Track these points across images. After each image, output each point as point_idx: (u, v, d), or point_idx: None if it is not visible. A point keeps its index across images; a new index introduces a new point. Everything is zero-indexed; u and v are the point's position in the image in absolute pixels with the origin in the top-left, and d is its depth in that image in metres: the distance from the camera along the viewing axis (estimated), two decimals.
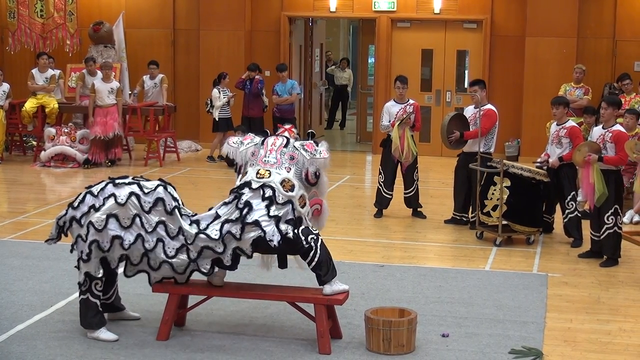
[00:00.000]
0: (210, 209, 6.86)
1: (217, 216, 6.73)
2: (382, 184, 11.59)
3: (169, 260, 6.71)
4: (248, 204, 6.63)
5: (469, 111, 11.13)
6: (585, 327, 7.46)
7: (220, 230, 6.63)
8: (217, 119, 15.71)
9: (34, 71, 15.87)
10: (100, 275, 6.83)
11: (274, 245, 6.59)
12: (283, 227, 6.62)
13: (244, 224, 6.58)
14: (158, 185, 6.83)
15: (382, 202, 11.67)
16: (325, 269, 6.69)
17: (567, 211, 10.23)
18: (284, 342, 6.90)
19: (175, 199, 6.81)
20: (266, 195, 6.64)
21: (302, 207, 6.76)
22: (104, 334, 6.88)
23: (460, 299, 8.11)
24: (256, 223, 6.57)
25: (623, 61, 16.08)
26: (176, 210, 6.73)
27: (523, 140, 16.39)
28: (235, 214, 6.64)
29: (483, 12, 16.64)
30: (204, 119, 16.91)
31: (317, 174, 6.83)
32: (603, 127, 9.51)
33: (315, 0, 17.30)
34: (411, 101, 11.68)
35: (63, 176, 14.63)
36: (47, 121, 15.76)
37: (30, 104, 15.66)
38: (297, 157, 6.83)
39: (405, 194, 11.64)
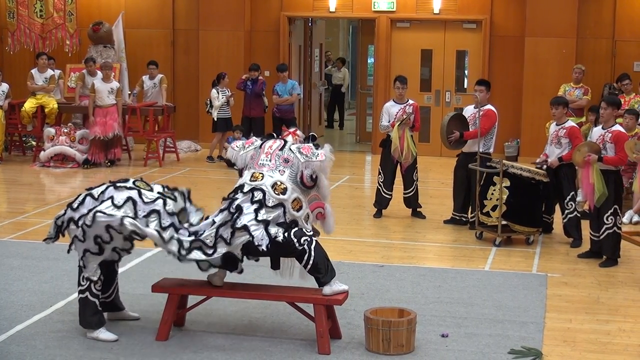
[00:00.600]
0: (206, 218, 6.85)
1: (214, 223, 6.73)
2: (381, 184, 11.60)
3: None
4: (239, 208, 6.63)
5: (469, 111, 11.13)
6: (585, 327, 7.45)
7: (215, 236, 6.64)
8: (215, 119, 15.72)
9: (34, 71, 15.87)
10: (95, 278, 6.82)
11: (262, 249, 6.58)
12: (273, 230, 6.59)
13: (234, 229, 6.57)
14: (158, 198, 6.81)
15: (381, 202, 11.67)
16: (323, 271, 6.68)
17: (566, 211, 10.23)
18: (284, 342, 6.90)
19: (171, 215, 6.78)
20: (255, 199, 6.63)
21: (298, 210, 6.70)
22: (103, 334, 6.87)
23: (460, 299, 8.11)
24: (245, 228, 6.55)
25: (622, 61, 16.08)
26: (171, 227, 6.72)
27: (522, 141, 16.40)
28: (227, 219, 6.65)
29: (482, 12, 16.64)
30: (203, 119, 16.91)
31: (313, 177, 6.76)
32: (603, 128, 9.51)
33: (314, 1, 17.31)
34: (410, 101, 11.68)
35: (62, 176, 14.63)
36: (46, 121, 15.76)
37: (29, 104, 15.65)
38: (292, 160, 6.78)
39: (404, 194, 11.64)
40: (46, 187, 14.11)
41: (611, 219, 9.31)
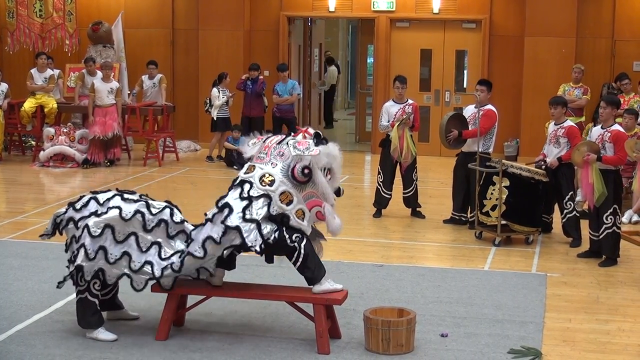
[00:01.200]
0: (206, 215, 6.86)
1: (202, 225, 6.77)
2: (381, 183, 11.60)
3: (156, 278, 6.73)
4: (227, 205, 6.62)
5: (469, 110, 11.14)
6: (584, 327, 7.46)
7: (204, 241, 6.61)
8: (215, 119, 15.72)
9: (33, 71, 15.87)
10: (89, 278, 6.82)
11: (257, 251, 6.58)
12: (265, 231, 6.58)
13: (226, 227, 6.55)
14: (165, 207, 6.85)
15: (381, 202, 11.67)
16: (312, 269, 6.68)
17: (565, 211, 10.23)
18: (283, 342, 6.90)
19: (179, 223, 6.82)
20: (244, 195, 6.62)
21: (287, 204, 6.62)
22: (102, 333, 6.87)
23: (459, 298, 8.11)
24: (237, 229, 6.53)
25: (622, 61, 16.08)
26: (178, 235, 6.78)
27: (522, 140, 16.40)
28: (217, 216, 6.64)
29: (482, 12, 16.64)
30: (203, 118, 16.91)
31: (305, 171, 6.68)
32: (602, 127, 9.51)
33: (314, 0, 17.31)
34: (410, 101, 11.68)
35: (62, 176, 14.63)
36: (46, 121, 15.76)
37: (29, 104, 15.65)
38: (286, 154, 6.79)
39: (404, 193, 11.64)
40: (45, 187, 14.11)
41: (610, 218, 9.31)
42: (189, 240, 6.74)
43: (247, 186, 6.67)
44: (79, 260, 6.68)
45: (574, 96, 14.29)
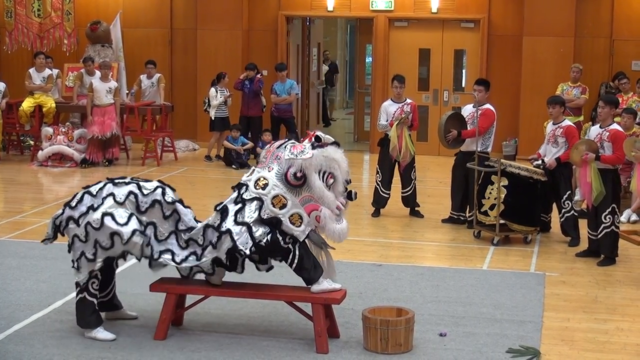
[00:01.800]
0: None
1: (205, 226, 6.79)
2: (379, 183, 11.60)
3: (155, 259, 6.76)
4: (225, 209, 6.66)
5: (467, 110, 11.14)
6: (583, 326, 7.46)
7: (203, 235, 6.69)
8: (213, 118, 15.72)
9: (31, 71, 15.86)
10: (95, 273, 6.82)
11: (246, 253, 6.58)
12: (257, 234, 6.57)
13: (219, 232, 6.57)
14: (157, 187, 6.85)
15: (379, 202, 11.68)
16: (309, 269, 6.68)
17: (563, 210, 10.23)
18: (282, 342, 6.90)
19: (171, 204, 6.82)
20: (238, 198, 6.66)
21: (281, 208, 6.60)
22: (101, 333, 6.87)
23: (458, 298, 8.11)
24: (228, 232, 6.54)
25: (620, 60, 16.09)
26: (172, 215, 6.79)
27: (520, 140, 16.40)
28: (216, 219, 6.68)
29: (480, 11, 16.64)
30: (201, 118, 16.89)
31: (298, 175, 6.64)
32: (600, 126, 9.51)
33: (312, 0, 17.30)
34: (408, 100, 11.68)
35: (60, 176, 14.62)
36: (44, 121, 15.74)
37: (27, 104, 15.63)
38: (282, 158, 6.77)
39: (402, 193, 11.64)
40: (44, 187, 14.10)
41: (609, 217, 9.31)
42: (180, 223, 6.79)
43: (243, 189, 6.71)
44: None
45: (573, 96, 14.30)
